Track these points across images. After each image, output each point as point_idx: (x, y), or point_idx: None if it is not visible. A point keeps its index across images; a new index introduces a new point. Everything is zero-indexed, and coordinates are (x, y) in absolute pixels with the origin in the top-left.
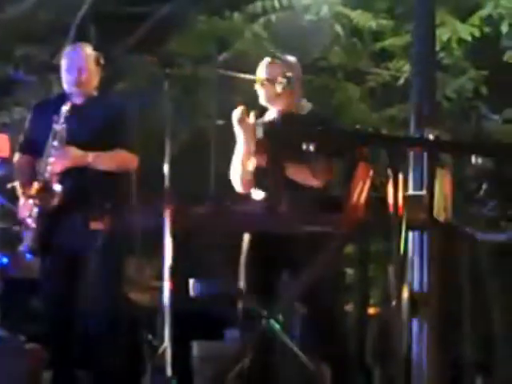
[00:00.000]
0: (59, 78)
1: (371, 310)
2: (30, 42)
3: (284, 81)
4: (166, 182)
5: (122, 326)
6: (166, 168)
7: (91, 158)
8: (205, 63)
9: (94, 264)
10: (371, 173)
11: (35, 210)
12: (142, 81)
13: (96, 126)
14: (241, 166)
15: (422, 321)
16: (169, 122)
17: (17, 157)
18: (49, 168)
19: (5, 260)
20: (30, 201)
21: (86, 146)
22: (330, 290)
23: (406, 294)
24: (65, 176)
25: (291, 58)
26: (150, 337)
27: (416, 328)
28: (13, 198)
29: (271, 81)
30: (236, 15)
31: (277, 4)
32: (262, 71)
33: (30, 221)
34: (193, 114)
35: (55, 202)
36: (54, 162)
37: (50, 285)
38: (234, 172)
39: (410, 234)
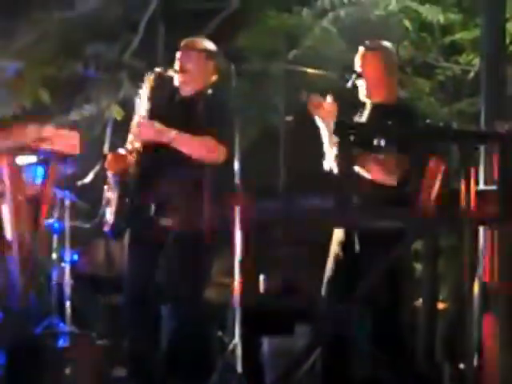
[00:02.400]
0: (129, 75)
1: (441, 305)
2: (99, 39)
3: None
4: (236, 178)
5: (197, 323)
6: (235, 164)
7: (175, 135)
8: (274, 59)
9: (167, 259)
10: (443, 168)
11: (113, 179)
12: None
13: (188, 119)
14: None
15: (494, 315)
16: (238, 118)
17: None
18: (131, 138)
19: (75, 257)
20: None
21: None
22: (399, 286)
23: (477, 288)
24: (146, 152)
25: (386, 44)
26: (220, 333)
27: (488, 323)
28: (84, 196)
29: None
30: (305, 11)
31: None
32: (359, 62)
33: (109, 194)
34: (262, 109)
35: (125, 167)
36: (140, 132)
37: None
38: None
39: (482, 229)
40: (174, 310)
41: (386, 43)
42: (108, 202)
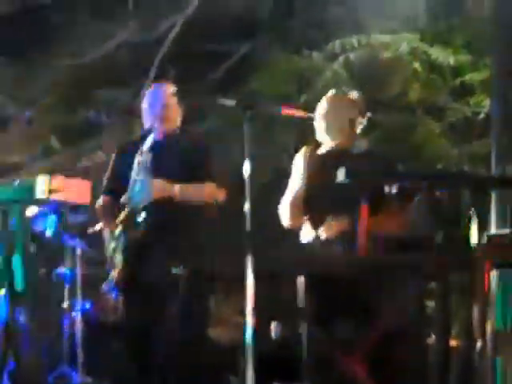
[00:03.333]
0: (141, 121)
1: (453, 342)
2: (110, 85)
3: (364, 122)
4: (247, 223)
5: (205, 370)
6: (246, 207)
7: (178, 189)
8: (286, 101)
9: (176, 306)
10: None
11: (121, 240)
12: (223, 120)
13: (181, 159)
14: (296, 200)
15: (505, 359)
16: (250, 162)
17: (101, 198)
18: (134, 200)
19: (87, 305)
20: (117, 232)
21: (171, 178)
22: (412, 326)
23: (489, 332)
24: (151, 208)
25: (355, 94)
26: (232, 378)
27: (500, 366)
28: (93, 243)
29: (335, 115)
30: (315, 54)
31: (355, 42)
32: (326, 105)
33: (112, 256)
34: (274, 152)
35: (139, 231)
36: (141, 193)
37: (134, 321)
38: (287, 206)
39: (494, 272)
40: (178, 358)
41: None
42: (112, 264)
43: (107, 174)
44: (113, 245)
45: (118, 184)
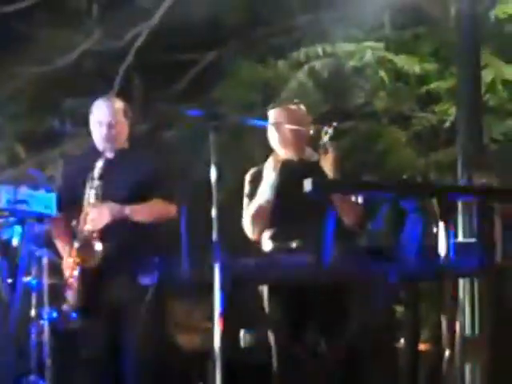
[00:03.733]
0: None
1: (422, 347)
2: (75, 93)
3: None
4: (215, 232)
5: (173, 377)
6: (213, 216)
7: (129, 211)
8: (251, 110)
9: (142, 317)
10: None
11: (76, 270)
12: (188, 129)
13: (130, 179)
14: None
15: (473, 366)
16: (215, 170)
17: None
18: (87, 226)
19: (54, 314)
20: (70, 259)
21: (121, 200)
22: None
23: (458, 338)
24: (106, 232)
25: (301, 106)
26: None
27: (468, 373)
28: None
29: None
30: (280, 63)
31: (320, 51)
32: (280, 115)
33: (72, 280)
34: (240, 160)
35: (96, 261)
36: (92, 220)
37: (91, 348)
38: (248, 219)
39: (461, 280)
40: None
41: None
42: (69, 287)
43: (57, 188)
44: (68, 271)
45: (69, 199)
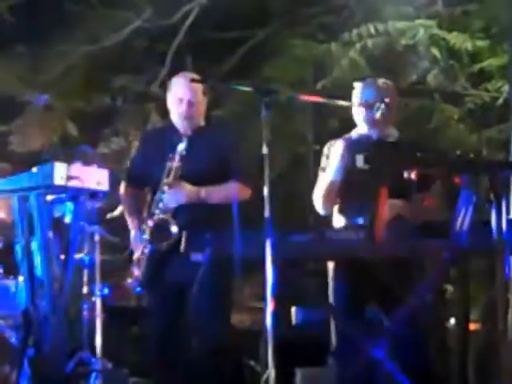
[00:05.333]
0: (157, 107)
1: (472, 327)
2: (126, 71)
3: (383, 106)
4: (266, 210)
5: (228, 354)
6: (265, 194)
7: (204, 193)
8: (302, 88)
9: (198, 295)
10: (474, 198)
11: (148, 248)
12: (239, 107)
13: (208, 158)
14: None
15: None
16: (267, 148)
17: (123, 186)
18: (162, 205)
19: (106, 291)
20: (144, 237)
21: (199, 180)
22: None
23: (510, 317)
24: (180, 213)
25: (389, 83)
26: (252, 363)
27: None
28: (113, 229)
29: (370, 105)
30: (332, 41)
31: (372, 30)
32: (360, 94)
33: (141, 257)
34: (290, 139)
35: (170, 242)
36: (168, 199)
37: (158, 318)
38: (320, 195)
39: None
40: (203, 343)
41: (389, 82)
42: (138, 263)
43: (130, 162)
44: (139, 247)
45: (143, 174)
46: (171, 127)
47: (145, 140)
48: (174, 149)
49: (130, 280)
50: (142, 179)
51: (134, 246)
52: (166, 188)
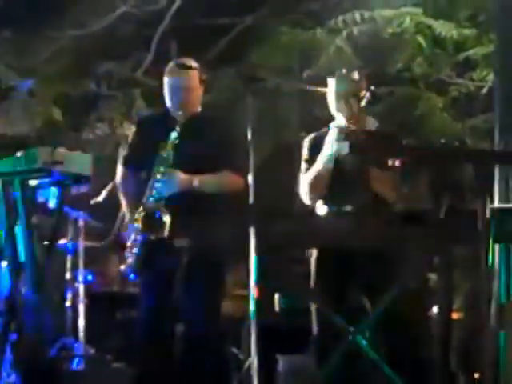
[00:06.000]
0: (142, 93)
1: (455, 315)
2: (111, 57)
3: (369, 95)
4: (250, 197)
5: (212, 342)
6: (250, 180)
7: (197, 182)
8: (287, 76)
9: (183, 281)
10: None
11: (139, 236)
12: (224, 94)
13: (201, 147)
14: (315, 180)
15: (508, 333)
16: (252, 135)
17: (120, 171)
18: (155, 193)
19: (89, 277)
20: (136, 225)
21: (192, 169)
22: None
23: (493, 305)
24: (172, 202)
25: (358, 72)
26: (235, 350)
27: (503, 338)
28: (95, 214)
29: (353, 94)
30: (318, 30)
31: (358, 17)
32: (343, 83)
33: (133, 244)
34: (275, 126)
35: (162, 232)
36: (161, 188)
37: (145, 304)
38: (305, 185)
39: (497, 246)
40: (190, 330)
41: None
42: (130, 250)
43: (127, 147)
44: (132, 235)
45: (138, 157)
46: (165, 114)
47: (141, 124)
48: (167, 136)
49: (123, 267)
50: (137, 163)
51: (127, 231)
52: (158, 176)
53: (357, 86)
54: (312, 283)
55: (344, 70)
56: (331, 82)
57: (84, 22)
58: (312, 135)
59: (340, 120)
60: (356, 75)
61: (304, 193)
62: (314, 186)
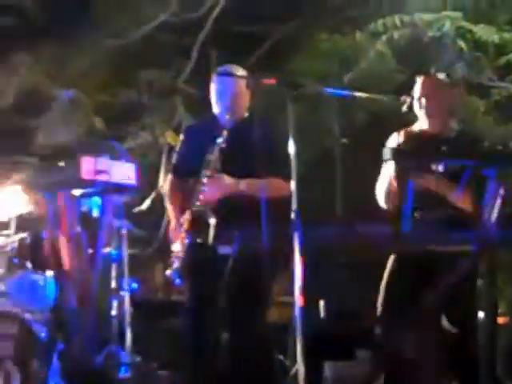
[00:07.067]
0: (183, 101)
1: (500, 320)
2: (152, 66)
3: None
4: (294, 203)
5: (261, 347)
6: (292, 186)
7: (244, 186)
8: (328, 82)
9: (228, 288)
10: (502, 191)
11: (186, 240)
12: (265, 100)
13: (248, 151)
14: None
15: None
16: (294, 141)
17: (169, 178)
18: (201, 197)
19: (134, 285)
20: (182, 229)
21: (238, 173)
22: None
23: None
24: (219, 206)
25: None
26: (281, 357)
27: None
28: (139, 223)
29: (432, 98)
30: (358, 34)
31: (398, 21)
32: (424, 88)
33: (180, 249)
34: (316, 133)
35: (207, 236)
36: (207, 192)
37: (196, 303)
38: (382, 190)
39: None
40: (235, 337)
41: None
42: (177, 255)
43: (175, 155)
44: (178, 239)
45: (187, 167)
46: (213, 120)
47: (188, 133)
48: (214, 141)
49: (168, 271)
50: (186, 171)
51: (173, 237)
52: (205, 180)
53: (442, 87)
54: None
55: (432, 70)
56: (418, 81)
57: (124, 31)
58: (394, 134)
59: (423, 121)
60: (443, 76)
61: (380, 196)
62: (387, 190)
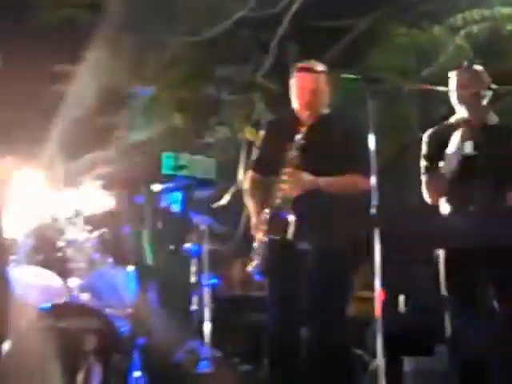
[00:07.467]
0: (262, 96)
1: None
2: (230, 61)
3: (490, 93)
4: (374, 198)
5: (341, 342)
6: (372, 183)
7: (322, 183)
8: (406, 76)
9: (310, 280)
10: None
11: (266, 237)
12: (342, 95)
13: (328, 148)
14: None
15: None
16: (374, 136)
17: (249, 174)
18: (280, 194)
19: (214, 280)
20: (262, 225)
21: (318, 170)
22: None
23: None
24: (298, 202)
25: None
26: (360, 352)
27: None
28: (219, 218)
29: (477, 86)
30: (436, 28)
31: (477, 16)
32: (464, 80)
33: (259, 246)
34: (395, 127)
35: (286, 233)
36: (286, 189)
37: (276, 299)
38: (427, 185)
39: None
40: (316, 332)
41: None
42: (257, 251)
43: (256, 151)
44: (259, 235)
45: (267, 163)
46: (293, 115)
47: (268, 129)
48: (293, 138)
49: (250, 268)
50: (266, 167)
51: (254, 233)
52: (284, 177)
53: (481, 78)
54: (441, 284)
55: (466, 62)
56: (455, 74)
57: (203, 26)
58: (431, 130)
59: (462, 112)
60: (480, 67)
61: (424, 191)
62: (435, 186)
